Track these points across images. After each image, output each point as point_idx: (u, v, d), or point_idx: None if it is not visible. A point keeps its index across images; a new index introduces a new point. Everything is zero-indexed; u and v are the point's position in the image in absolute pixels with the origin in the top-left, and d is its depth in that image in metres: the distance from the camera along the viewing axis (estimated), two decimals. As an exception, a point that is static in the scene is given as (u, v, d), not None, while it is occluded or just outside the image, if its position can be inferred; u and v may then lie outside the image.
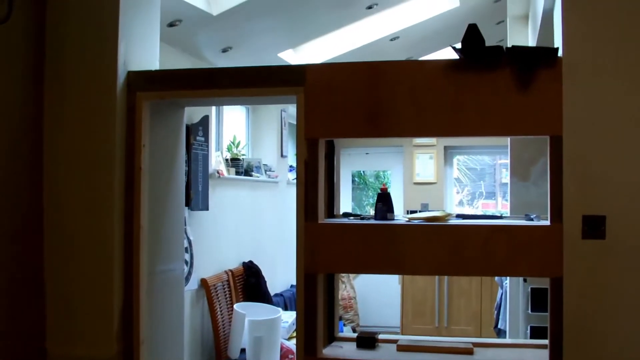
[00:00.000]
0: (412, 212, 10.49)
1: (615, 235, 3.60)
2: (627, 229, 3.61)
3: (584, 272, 3.63)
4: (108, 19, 4.24)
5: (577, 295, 3.63)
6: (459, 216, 4.33)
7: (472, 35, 3.79)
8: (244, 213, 8.24)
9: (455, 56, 3.86)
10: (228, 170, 7.65)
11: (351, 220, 4.20)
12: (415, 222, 4.02)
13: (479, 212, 11.67)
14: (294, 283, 4.08)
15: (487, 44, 3.80)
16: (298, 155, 4.04)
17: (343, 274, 10.00)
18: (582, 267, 3.63)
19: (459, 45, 3.82)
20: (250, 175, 8.27)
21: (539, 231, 3.75)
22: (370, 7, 7.47)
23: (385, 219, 4.16)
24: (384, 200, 4.21)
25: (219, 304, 7.01)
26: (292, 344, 6.99)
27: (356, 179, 12.45)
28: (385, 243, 3.90)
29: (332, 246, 3.97)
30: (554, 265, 3.67)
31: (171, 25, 5.91)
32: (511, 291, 5.84)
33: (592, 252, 3.62)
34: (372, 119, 3.91)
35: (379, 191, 4.30)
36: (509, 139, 5.95)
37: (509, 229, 3.80)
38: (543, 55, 3.73)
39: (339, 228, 4.02)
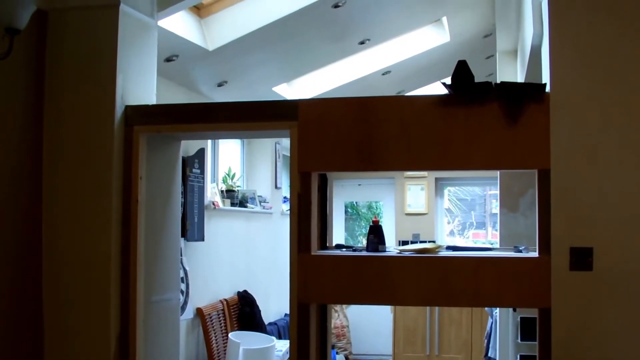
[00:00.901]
0: (404, 242, 10.60)
1: (603, 266, 3.67)
2: (614, 261, 3.67)
3: (571, 303, 3.69)
4: (106, 54, 4.33)
5: (565, 326, 3.69)
6: (449, 248, 4.39)
7: (462, 72, 3.88)
8: (239, 243, 8.29)
9: (445, 91, 3.95)
10: (223, 202, 7.72)
11: (344, 252, 4.26)
12: (406, 254, 4.09)
13: (470, 242, 11.75)
14: (288, 312, 4.13)
15: (477, 77, 3.89)
16: (292, 188, 4.11)
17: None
18: (570, 298, 3.69)
19: (448, 81, 3.91)
20: (245, 207, 8.34)
21: (527, 263, 3.82)
22: (362, 43, 7.58)
23: (377, 250, 4.22)
24: (375, 233, 4.27)
25: (214, 333, 7.06)
26: (285, 373, 7.03)
27: (349, 209, 12.51)
28: (376, 275, 3.96)
29: (324, 277, 4.03)
30: (542, 297, 3.73)
31: (168, 60, 6.00)
32: (501, 320, 5.89)
33: (580, 284, 3.68)
34: (364, 153, 3.99)
35: (371, 223, 4.36)
36: (498, 171, 6.02)
37: (498, 261, 3.88)
38: (531, 91, 3.82)
39: (331, 260, 4.09)
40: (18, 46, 4.00)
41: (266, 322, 8.41)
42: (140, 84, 4.57)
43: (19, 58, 4.15)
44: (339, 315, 10.32)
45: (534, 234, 3.87)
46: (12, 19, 3.87)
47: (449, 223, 12.14)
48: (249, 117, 4.21)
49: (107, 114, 4.30)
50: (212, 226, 7.35)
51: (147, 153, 4.41)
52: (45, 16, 4.40)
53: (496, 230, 9.62)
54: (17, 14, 3.87)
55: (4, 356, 4.07)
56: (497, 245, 6.03)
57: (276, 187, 9.54)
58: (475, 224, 12.34)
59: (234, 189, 8.08)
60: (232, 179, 8.17)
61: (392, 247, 4.48)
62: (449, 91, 3.92)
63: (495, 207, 11.53)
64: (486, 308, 7.31)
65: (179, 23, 5.71)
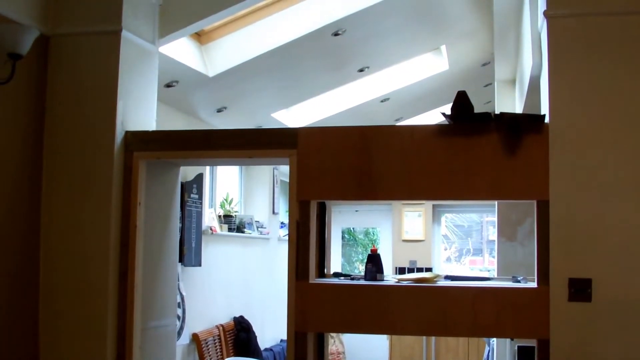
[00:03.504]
0: (401, 269, 10.59)
1: (601, 297, 3.67)
2: (613, 292, 3.68)
3: (570, 334, 3.69)
4: (107, 79, 4.36)
5: (563, 357, 3.69)
6: (447, 277, 4.38)
7: (461, 102, 3.90)
8: (236, 268, 8.28)
9: (444, 121, 3.96)
10: (221, 227, 7.72)
11: (342, 281, 4.26)
12: (405, 283, 4.09)
13: (467, 269, 11.74)
14: (284, 338, 4.12)
15: (475, 104, 3.92)
16: (290, 216, 4.12)
17: (332, 330, 10.01)
18: (568, 329, 3.69)
19: (448, 111, 3.92)
20: (243, 232, 8.33)
21: (525, 293, 3.82)
22: (361, 70, 7.62)
23: (375, 279, 4.21)
24: (374, 261, 4.27)
25: (210, 359, 7.03)
26: (281, 401, 7.00)
27: (346, 235, 12.51)
28: (375, 304, 3.96)
29: (322, 306, 4.03)
30: (540, 327, 3.73)
31: (168, 85, 6.02)
32: (498, 349, 5.88)
33: (579, 315, 3.69)
34: (363, 182, 4.00)
35: (370, 252, 4.36)
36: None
37: (496, 291, 3.88)
38: (530, 121, 3.84)
39: (330, 288, 4.09)
40: (20, 71, 4.01)
41: (262, 348, 8.38)
42: (141, 110, 4.58)
43: (21, 83, 4.17)
44: (334, 341, 10.29)
45: (532, 263, 3.88)
46: (15, 44, 3.88)
47: (445, 249, 12.15)
48: (249, 145, 4.23)
49: (107, 140, 4.32)
50: (210, 251, 7.34)
51: (146, 179, 4.42)
52: (47, 41, 4.43)
53: (493, 257, 9.63)
54: (20, 40, 3.88)
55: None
56: (495, 273, 6.03)
57: (274, 212, 9.54)
58: (472, 250, 12.36)
59: (231, 214, 8.08)
60: (229, 204, 8.17)
61: (390, 275, 4.47)
62: (448, 121, 3.94)
63: (492, 233, 11.54)
64: (483, 337, 7.30)
65: (179, 49, 5.73)
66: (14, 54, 3.91)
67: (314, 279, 4.14)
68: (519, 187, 3.84)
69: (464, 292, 3.89)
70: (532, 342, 3.89)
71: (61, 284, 4.33)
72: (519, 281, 4.13)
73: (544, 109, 3.95)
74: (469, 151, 3.89)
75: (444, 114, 3.93)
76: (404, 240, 11.00)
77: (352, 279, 4.36)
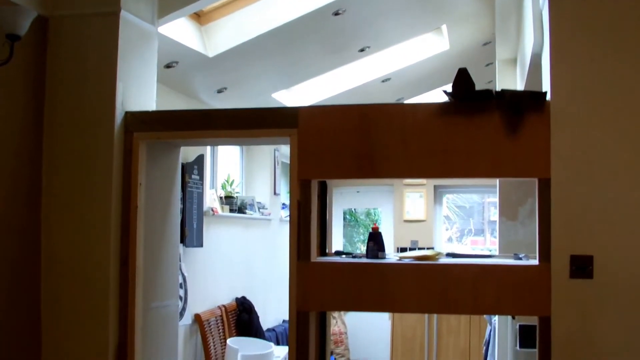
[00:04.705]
0: (402, 249, 10.59)
1: (603, 274, 3.68)
2: (614, 269, 3.68)
3: (572, 311, 3.69)
4: (107, 60, 4.35)
5: (565, 334, 3.69)
6: (449, 255, 4.38)
7: (462, 79, 3.88)
8: (238, 250, 8.29)
9: (445, 99, 3.95)
10: (222, 208, 7.72)
11: (343, 259, 4.26)
12: (406, 261, 4.09)
13: (468, 249, 11.74)
14: (286, 318, 4.13)
15: (476, 84, 3.89)
16: (291, 195, 4.11)
17: (334, 311, 10.04)
18: (570, 306, 3.70)
19: (449, 89, 3.91)
20: (244, 213, 8.34)
21: (527, 271, 3.82)
22: (362, 50, 7.60)
23: (377, 257, 4.21)
24: (375, 240, 4.26)
25: (212, 339, 7.05)
26: (284, 380, 7.02)
27: (347, 216, 12.51)
28: (376, 282, 3.97)
29: (324, 285, 4.03)
30: (542, 305, 3.74)
31: (168, 66, 6.00)
32: (500, 328, 5.88)
33: (580, 292, 3.69)
34: (364, 160, 3.99)
35: (370, 230, 4.36)
36: (497, 179, 6.03)
37: (498, 269, 3.88)
38: (531, 98, 3.83)
39: (331, 267, 4.09)
40: (18, 52, 3.99)
41: (264, 329, 8.41)
42: (140, 91, 4.58)
43: (20, 64, 4.15)
44: (337, 321, 10.32)
45: (533, 242, 3.88)
46: (13, 26, 3.86)
47: (447, 230, 12.15)
48: (249, 125, 4.22)
49: (107, 121, 4.31)
50: (211, 232, 7.35)
51: (146, 159, 4.41)
52: (46, 23, 4.42)
53: (494, 237, 9.63)
54: (18, 21, 3.86)
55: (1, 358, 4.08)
56: (496, 253, 6.02)
57: (275, 193, 9.54)
58: (473, 231, 12.35)
59: (232, 195, 8.08)
60: (231, 185, 8.17)
61: (391, 254, 4.48)
62: (449, 99, 3.92)
63: (493, 214, 11.54)
64: (485, 315, 7.32)
65: (179, 30, 5.71)
66: (12, 35, 3.89)
67: (315, 258, 4.15)
68: (520, 165, 3.83)
69: (466, 269, 3.89)
70: (533, 321, 3.89)
71: (63, 265, 4.34)
72: (520, 259, 4.13)
73: (546, 87, 3.93)
74: (470, 129, 3.88)
75: (445, 92, 3.92)
76: (406, 221, 10.99)
77: (354, 257, 4.36)
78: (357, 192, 11.87)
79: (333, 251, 4.62)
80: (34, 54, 4.35)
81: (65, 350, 4.31)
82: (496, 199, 6.43)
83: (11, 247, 4.17)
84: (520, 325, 5.43)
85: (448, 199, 12.01)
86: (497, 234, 6.29)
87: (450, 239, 12.20)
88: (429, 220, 10.97)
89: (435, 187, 11.05)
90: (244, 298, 8.12)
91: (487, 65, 9.17)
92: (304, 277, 4.03)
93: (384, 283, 3.96)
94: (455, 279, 3.87)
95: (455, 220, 12.37)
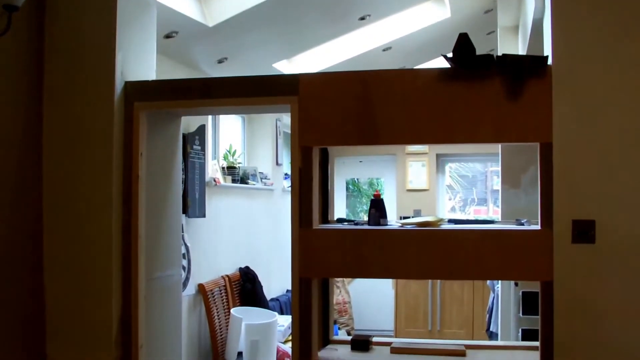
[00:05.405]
0: (405, 218, 10.59)
1: (605, 239, 3.69)
2: (616, 233, 3.69)
3: (573, 275, 3.71)
4: (106, 30, 4.32)
5: (567, 299, 3.71)
6: (451, 221, 4.39)
7: (463, 44, 3.87)
8: (240, 220, 8.30)
9: (447, 65, 3.94)
10: (224, 179, 7.72)
11: (345, 226, 4.27)
12: (408, 227, 4.10)
13: (471, 218, 11.75)
14: (290, 288, 4.14)
15: (478, 53, 3.88)
16: (292, 162, 4.11)
17: (338, 279, 10.07)
18: (572, 271, 3.71)
19: (450, 54, 3.90)
20: (246, 183, 8.33)
21: (529, 236, 3.82)
22: (362, 19, 7.55)
23: (379, 224, 4.22)
24: (377, 206, 4.27)
25: (216, 309, 7.08)
26: (287, 347, 7.04)
27: (350, 186, 12.52)
28: (378, 248, 3.97)
29: (326, 251, 4.04)
30: (544, 269, 3.75)
31: (167, 36, 5.98)
32: (503, 295, 5.91)
33: (582, 256, 3.70)
34: (365, 127, 3.99)
35: (372, 197, 4.36)
36: (499, 147, 6.02)
37: (500, 234, 3.88)
38: (532, 63, 3.81)
39: (332, 233, 4.10)
40: (16, 23, 3.98)
41: (268, 298, 8.44)
42: (140, 61, 4.56)
43: (17, 35, 4.14)
44: (340, 291, 10.35)
45: (535, 210, 3.88)
46: (10, -4, 3.85)
47: (450, 199, 12.16)
48: (249, 92, 4.20)
49: (107, 91, 4.30)
50: (214, 203, 7.36)
51: (147, 129, 4.41)
52: (44, -7, 4.39)
53: (497, 206, 9.63)
54: (16, -9, 3.86)
55: (7, 333, 4.09)
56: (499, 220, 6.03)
57: (277, 163, 9.54)
58: (476, 200, 12.36)
59: (235, 165, 8.07)
60: (233, 155, 8.16)
61: (393, 220, 4.48)
62: (450, 64, 3.91)
63: (496, 183, 11.53)
64: (488, 282, 7.35)
65: (178, -1, 5.69)
66: (10, 5, 3.89)
67: (317, 225, 4.15)
68: (522, 130, 3.82)
69: (468, 235, 3.89)
70: (536, 288, 3.89)
71: (65, 236, 4.35)
72: (522, 224, 4.14)
73: (547, 52, 3.91)
74: (472, 94, 3.87)
75: (445, 57, 3.90)
76: (408, 190, 11.00)
77: (356, 224, 4.37)
78: (360, 161, 11.87)
79: (335, 219, 4.63)
80: (32, 25, 4.33)
81: (69, 320, 4.33)
82: (499, 168, 6.43)
83: (13, 217, 4.17)
84: (523, 292, 5.46)
85: (451, 168, 12.01)
86: (499, 202, 6.30)
87: (453, 209, 12.21)
88: (432, 189, 10.98)
89: (438, 156, 11.05)
90: (247, 268, 8.14)
91: (489, 33, 9.12)
92: (306, 243, 4.04)
93: (385, 249, 3.97)
94: (457, 244, 3.88)
95: (458, 190, 12.38)
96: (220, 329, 7.08)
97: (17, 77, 4.24)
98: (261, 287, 8.16)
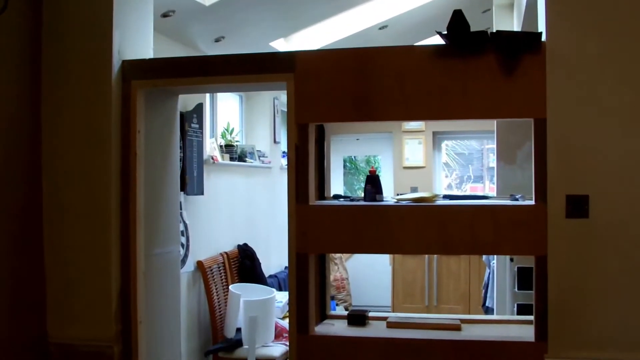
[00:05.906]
0: (401, 194, 10.60)
1: (598, 214, 3.72)
2: (609, 208, 3.73)
3: (567, 250, 3.75)
4: (103, 8, 4.33)
5: (561, 273, 3.75)
6: (446, 197, 4.42)
7: (458, 21, 3.88)
8: (239, 197, 8.33)
9: (441, 42, 3.96)
10: (222, 157, 7.74)
11: (341, 202, 4.31)
12: (404, 202, 4.13)
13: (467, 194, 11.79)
14: (288, 265, 4.18)
15: (473, 30, 3.90)
16: (289, 139, 4.14)
17: (335, 256, 10.12)
18: (566, 246, 3.75)
19: (445, 31, 3.92)
20: (244, 161, 8.35)
21: (523, 211, 3.86)
22: (359, -4, 7.57)
23: (375, 200, 4.26)
24: (372, 182, 4.31)
25: (215, 286, 7.12)
26: (286, 323, 7.07)
27: (347, 164, 12.54)
28: (374, 223, 4.01)
29: (322, 227, 4.08)
30: (538, 244, 3.79)
31: (165, 15, 5.98)
32: (498, 270, 5.95)
33: (576, 231, 3.74)
34: (361, 103, 4.02)
35: (368, 173, 4.40)
36: (495, 124, 6.04)
37: (495, 209, 3.92)
38: (527, 39, 3.83)
39: (329, 210, 4.14)
40: (14, 3, 4.00)
41: (266, 275, 8.48)
42: (137, 39, 4.58)
43: (16, 13, 4.15)
44: (338, 268, 10.40)
45: (530, 185, 3.91)
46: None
47: (446, 177, 12.18)
48: (246, 70, 4.23)
49: (105, 69, 4.32)
50: (212, 181, 7.38)
51: (144, 107, 4.43)
52: (42, -29, 4.40)
53: (493, 183, 9.67)
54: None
55: (8, 310, 4.13)
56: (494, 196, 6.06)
57: (275, 142, 9.56)
58: (472, 177, 12.38)
59: (232, 143, 8.09)
60: (230, 134, 8.18)
61: (389, 196, 4.51)
62: (445, 41, 3.93)
63: (492, 161, 11.54)
64: (484, 258, 7.38)
65: (174, -23, 5.69)
66: (8, -17, 3.90)
67: (313, 202, 4.19)
68: (517, 106, 3.85)
69: (463, 210, 3.93)
70: (531, 263, 3.94)
71: (64, 212, 4.39)
72: (517, 199, 4.17)
73: (541, 28, 3.93)
74: (466, 71, 3.89)
75: (440, 34, 3.92)
76: (405, 167, 11.03)
77: (352, 200, 4.41)
78: (357, 139, 11.87)
79: (331, 195, 4.67)
80: (29, 4, 4.34)
81: (69, 296, 4.38)
82: (494, 145, 6.44)
83: (12, 194, 4.20)
84: (518, 268, 5.49)
85: (447, 145, 12.02)
86: (495, 179, 6.31)
87: (449, 186, 12.23)
88: (428, 166, 11.00)
89: (434, 134, 11.06)
90: (245, 245, 8.18)
91: (484, 11, 9.11)
92: (302, 219, 4.08)
93: (381, 225, 4.01)
94: (452, 219, 3.92)
95: (454, 167, 12.40)
96: (219, 305, 7.13)
97: (15, 56, 4.25)
98: (259, 263, 8.19)
